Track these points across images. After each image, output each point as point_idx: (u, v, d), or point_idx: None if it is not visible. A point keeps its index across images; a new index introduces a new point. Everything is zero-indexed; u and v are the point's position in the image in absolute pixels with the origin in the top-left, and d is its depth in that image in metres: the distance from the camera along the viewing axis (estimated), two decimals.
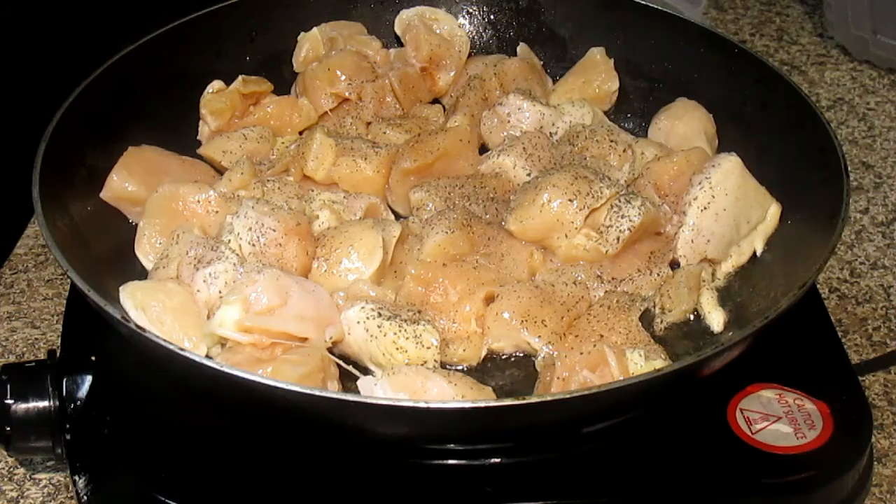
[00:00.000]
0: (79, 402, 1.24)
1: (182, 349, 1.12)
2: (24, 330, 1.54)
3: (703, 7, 2.04)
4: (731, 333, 1.32)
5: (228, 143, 1.50)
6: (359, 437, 1.20)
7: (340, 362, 1.25)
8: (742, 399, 1.25)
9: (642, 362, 1.22)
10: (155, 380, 1.25)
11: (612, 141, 1.50)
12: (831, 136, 1.38)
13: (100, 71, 1.46)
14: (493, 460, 1.20)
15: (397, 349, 1.23)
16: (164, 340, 1.13)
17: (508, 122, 1.53)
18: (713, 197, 1.38)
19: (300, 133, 1.57)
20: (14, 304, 1.58)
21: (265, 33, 1.64)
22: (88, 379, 1.25)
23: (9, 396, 1.22)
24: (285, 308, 1.22)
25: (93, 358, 1.27)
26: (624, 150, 1.49)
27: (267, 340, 1.22)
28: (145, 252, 1.37)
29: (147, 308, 1.24)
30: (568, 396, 1.09)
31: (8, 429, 1.22)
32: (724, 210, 1.38)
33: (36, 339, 1.53)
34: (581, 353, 1.22)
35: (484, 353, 1.30)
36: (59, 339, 1.35)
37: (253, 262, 1.27)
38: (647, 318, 1.34)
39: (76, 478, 1.21)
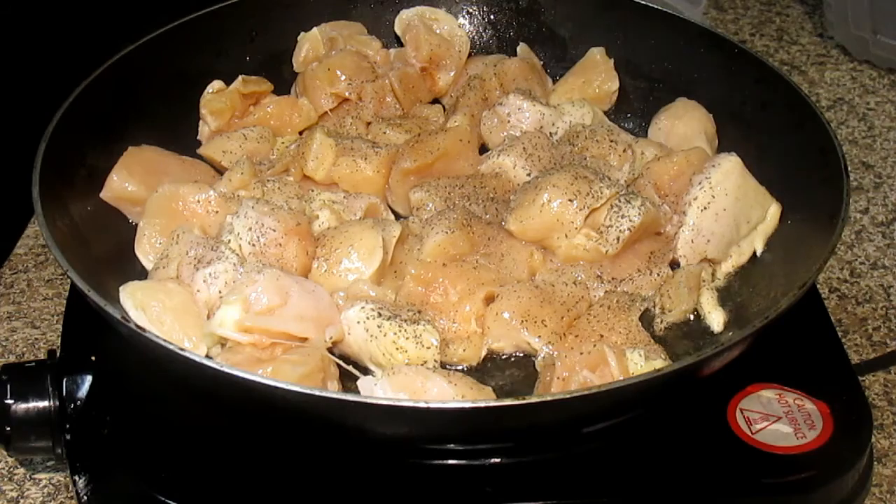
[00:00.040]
0: (79, 402, 1.24)
1: (182, 349, 1.12)
2: (24, 330, 1.54)
3: (703, 7, 2.04)
4: (731, 333, 1.32)
5: (228, 143, 1.50)
6: (359, 437, 1.20)
7: (340, 362, 1.25)
8: (742, 399, 1.25)
9: (642, 362, 1.22)
10: (155, 380, 1.25)
11: (612, 141, 1.50)
12: (831, 136, 1.38)
13: (100, 71, 1.46)
14: (493, 460, 1.20)
15: (397, 349, 1.23)
16: (164, 340, 1.13)
17: (508, 122, 1.53)
18: (713, 197, 1.38)
19: (300, 133, 1.57)
20: (14, 304, 1.58)
21: (265, 33, 1.64)
22: (88, 379, 1.25)
23: (9, 396, 1.22)
24: (285, 308, 1.22)
25: (93, 358, 1.27)
26: (624, 150, 1.49)
27: (267, 340, 1.22)
28: (145, 252, 1.37)
29: (147, 308, 1.24)
30: (568, 396, 1.09)
31: (8, 429, 1.22)
32: (724, 210, 1.39)
33: (36, 339, 1.53)
34: (581, 353, 1.22)
35: (484, 353, 1.30)
36: (59, 339, 1.35)
37: (253, 262, 1.27)
38: (647, 318, 1.34)
39: (76, 478, 1.21)
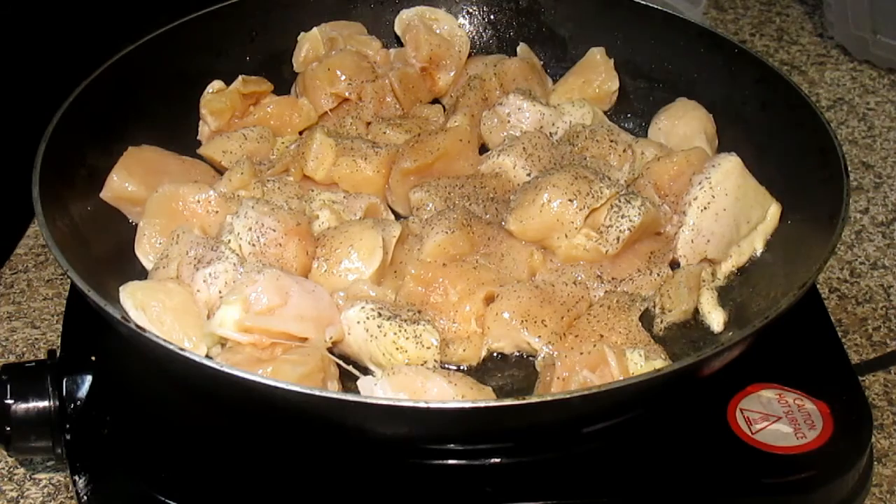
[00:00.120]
0: (79, 402, 1.24)
1: (182, 349, 1.12)
2: (24, 330, 1.54)
3: (703, 7, 2.04)
4: (731, 333, 1.32)
5: (228, 143, 1.50)
6: (359, 437, 1.20)
7: (340, 362, 1.25)
8: (742, 399, 1.25)
9: (642, 362, 1.22)
10: (155, 380, 1.25)
11: (612, 141, 1.50)
12: (831, 136, 1.38)
13: (100, 71, 1.46)
14: (493, 460, 1.20)
15: (397, 349, 1.23)
16: (164, 340, 1.13)
17: (508, 122, 1.53)
18: (713, 197, 1.38)
19: (300, 133, 1.57)
20: (14, 304, 1.58)
21: (265, 33, 1.64)
22: (88, 379, 1.25)
23: (9, 396, 1.22)
24: (285, 308, 1.22)
25: (93, 358, 1.27)
26: (624, 150, 1.49)
27: (267, 340, 1.22)
28: (145, 252, 1.37)
29: (147, 308, 1.24)
30: (568, 396, 1.09)
31: (8, 429, 1.22)
32: (724, 210, 1.38)
33: (36, 339, 1.53)
34: (581, 353, 1.22)
35: (484, 353, 1.30)
36: (59, 339, 1.35)
37: (253, 262, 1.27)
38: (647, 318, 1.34)
39: (76, 478, 1.21)
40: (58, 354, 1.29)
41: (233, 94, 1.55)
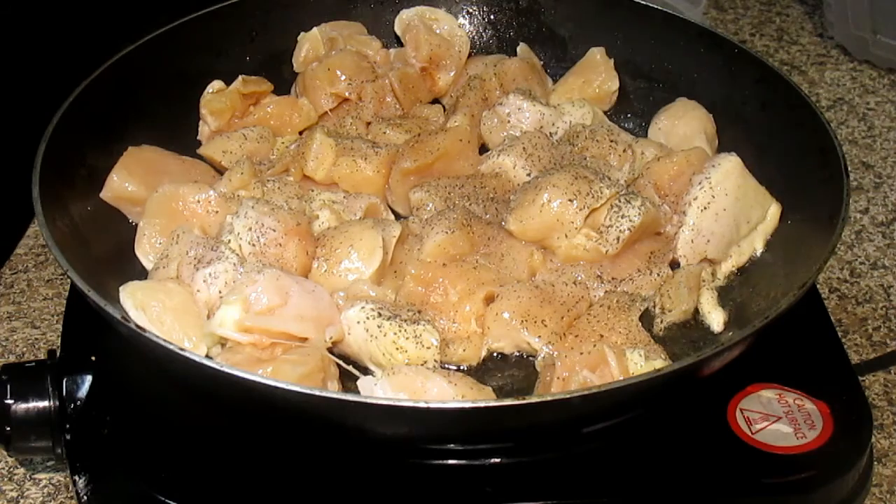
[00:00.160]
0: (79, 402, 1.24)
1: (182, 349, 1.12)
2: (24, 330, 1.54)
3: (703, 7, 2.04)
4: (731, 333, 1.32)
5: (228, 143, 1.50)
6: (359, 437, 1.20)
7: (340, 362, 1.25)
8: (742, 399, 1.25)
9: (642, 362, 1.22)
10: (155, 380, 1.25)
11: (612, 141, 1.50)
12: (831, 136, 1.38)
13: (100, 71, 1.46)
14: (493, 460, 1.20)
15: (397, 349, 1.23)
16: (164, 340, 1.12)
17: (508, 122, 1.53)
18: (713, 197, 1.38)
19: (300, 133, 1.57)
20: (14, 304, 1.58)
21: (265, 33, 1.64)
22: (88, 379, 1.25)
23: (9, 396, 1.22)
24: (285, 308, 1.22)
25: (93, 358, 1.27)
26: (624, 150, 1.49)
27: (267, 340, 1.22)
28: (145, 252, 1.37)
29: (147, 308, 1.24)
30: (568, 396, 1.09)
31: (8, 429, 1.22)
32: (724, 210, 1.38)
33: (36, 339, 1.53)
34: (581, 353, 1.22)
35: (484, 353, 1.30)
36: (59, 339, 1.35)
37: (253, 262, 1.27)
38: (647, 318, 1.34)
39: (76, 478, 1.21)
40: (58, 354, 1.29)
41: (233, 94, 1.55)
